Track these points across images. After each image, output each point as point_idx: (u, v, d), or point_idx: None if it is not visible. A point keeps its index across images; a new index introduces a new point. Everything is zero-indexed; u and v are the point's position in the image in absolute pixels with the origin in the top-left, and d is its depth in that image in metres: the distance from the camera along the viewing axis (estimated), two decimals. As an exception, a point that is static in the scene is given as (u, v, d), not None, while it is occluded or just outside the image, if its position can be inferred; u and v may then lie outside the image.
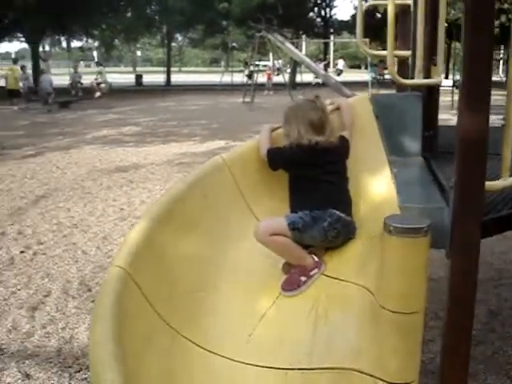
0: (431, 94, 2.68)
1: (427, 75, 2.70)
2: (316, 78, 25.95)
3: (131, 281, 1.86)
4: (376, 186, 2.56)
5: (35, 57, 29.52)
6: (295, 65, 29.09)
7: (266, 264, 2.37)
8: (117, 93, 27.16)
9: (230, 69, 32.58)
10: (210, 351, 1.97)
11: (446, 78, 31.89)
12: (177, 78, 43.94)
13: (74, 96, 23.50)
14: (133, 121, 17.04)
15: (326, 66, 36.41)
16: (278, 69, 30.22)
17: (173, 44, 61.97)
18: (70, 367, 3.37)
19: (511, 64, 1.78)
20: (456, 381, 1.89)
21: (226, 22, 38.87)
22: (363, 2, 3.49)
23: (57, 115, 19.11)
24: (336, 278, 2.22)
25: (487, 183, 1.72)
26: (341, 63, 32.27)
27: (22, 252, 5.42)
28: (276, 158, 2.54)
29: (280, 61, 27.33)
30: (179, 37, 57.38)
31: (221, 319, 2.08)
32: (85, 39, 46.27)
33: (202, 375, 1.89)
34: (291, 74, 30.72)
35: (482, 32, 1.57)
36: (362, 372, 1.86)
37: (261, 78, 27.31)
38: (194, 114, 19.41)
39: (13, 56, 59.32)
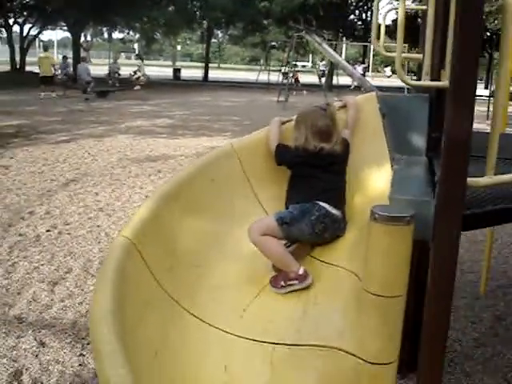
0: (441, 96, 2.76)
1: (437, 78, 2.78)
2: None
3: (135, 250, 2.00)
4: (374, 181, 2.67)
5: (76, 46, 30.11)
6: (332, 67, 29.03)
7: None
8: (154, 86, 27.51)
9: (268, 67, 32.64)
10: (205, 322, 2.10)
11: (486, 88, 31.56)
12: (215, 74, 44.28)
13: (111, 86, 23.87)
14: (167, 113, 17.31)
15: (365, 70, 36.27)
16: (323, 71, 30.31)
17: (213, 40, 62.47)
18: (83, 339, 3.54)
19: (500, 65, 1.87)
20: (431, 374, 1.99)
21: (266, 21, 39.02)
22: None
23: (94, 104, 19.49)
24: (328, 263, 2.34)
25: (470, 179, 1.81)
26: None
27: (47, 231, 5.64)
28: (282, 156, 2.68)
29: (321, 62, 27.33)
30: (220, 33, 57.79)
31: (218, 294, 2.21)
32: (126, 31, 46.93)
33: (196, 343, 2.02)
34: (328, 75, 30.65)
35: (471, 37, 1.67)
36: (344, 351, 1.98)
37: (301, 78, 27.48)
38: (228, 110, 19.58)
39: (55, 44, 60.47)
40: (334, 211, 2.49)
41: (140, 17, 34.12)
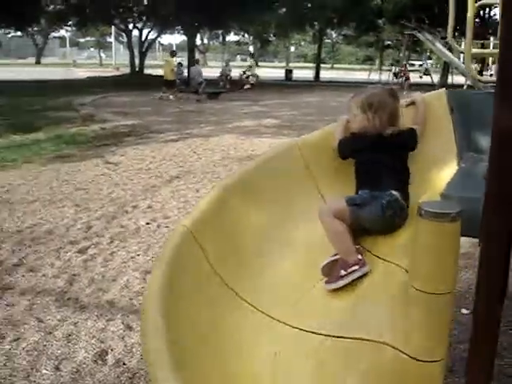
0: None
1: None
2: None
3: (192, 238, 2.12)
4: (439, 179, 2.62)
5: (191, 49, 31.16)
6: (445, 66, 28.10)
7: (324, 245, 2.53)
8: (266, 86, 27.95)
9: (382, 67, 32.15)
10: (257, 309, 2.19)
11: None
12: (327, 74, 44.22)
13: (221, 88, 24.52)
14: (274, 114, 17.55)
15: (482, 68, 34.74)
16: (426, 69, 29.38)
17: (327, 40, 62.34)
18: (167, 325, 3.74)
19: None
20: (480, 371, 1.95)
21: (380, 20, 38.45)
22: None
23: (205, 105, 20.13)
24: (380, 258, 2.34)
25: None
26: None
27: (147, 223, 5.96)
28: (344, 149, 2.70)
29: (429, 61, 26.55)
30: (333, 33, 57.57)
31: (272, 284, 2.28)
32: (241, 34, 47.99)
33: (247, 329, 2.10)
34: (442, 74, 29.68)
35: None
36: (390, 345, 1.99)
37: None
38: (335, 109, 19.48)
39: (174, 48, 62.83)
40: (402, 201, 2.49)
41: (253, 19, 34.73)
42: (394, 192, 2.47)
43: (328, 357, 2.08)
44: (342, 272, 2.30)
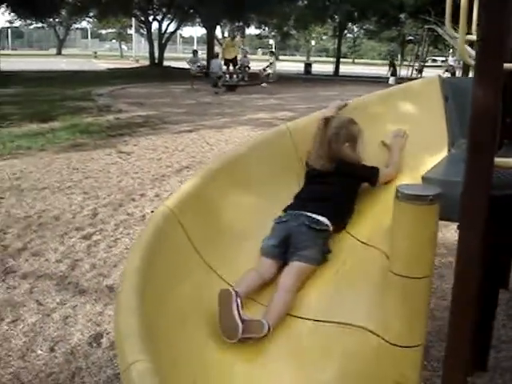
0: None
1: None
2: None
3: (175, 219, 2.12)
4: (428, 164, 2.59)
5: (210, 41, 31.16)
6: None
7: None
8: (284, 80, 27.86)
9: (404, 62, 31.87)
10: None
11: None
12: (347, 69, 43.90)
13: (240, 80, 24.48)
14: (290, 107, 17.46)
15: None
16: (451, 65, 29.03)
17: (349, 35, 61.91)
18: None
19: None
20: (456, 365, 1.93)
21: (401, 15, 38.06)
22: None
23: (222, 97, 20.10)
24: (363, 243, 2.33)
25: (499, 159, 1.74)
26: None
27: (152, 212, 5.97)
28: None
29: (452, 57, 26.28)
30: (355, 28, 57.16)
31: (255, 266, 2.28)
32: (262, 27, 47.89)
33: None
34: (464, 70, 29.30)
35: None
36: (369, 330, 1.99)
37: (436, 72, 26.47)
38: (353, 104, 19.38)
39: (195, 40, 62.98)
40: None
41: (272, 12, 34.62)
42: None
43: (308, 340, 2.08)
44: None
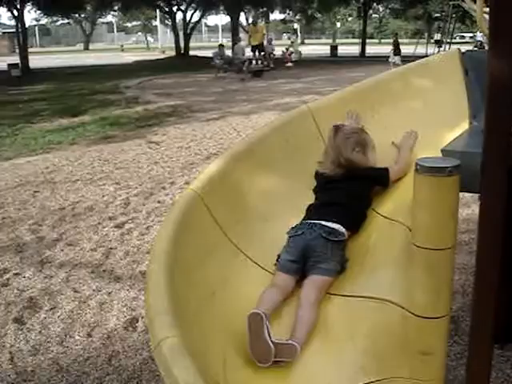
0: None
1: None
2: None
3: (201, 202, 2.17)
4: (449, 138, 2.59)
5: (234, 29, 31.11)
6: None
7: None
8: (310, 63, 27.74)
9: (431, 40, 31.39)
10: (266, 270, 2.24)
11: None
12: (374, 49, 43.38)
13: (265, 66, 24.42)
14: (316, 90, 17.37)
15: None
16: (480, 42, 28.48)
17: (374, 15, 61.17)
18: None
19: None
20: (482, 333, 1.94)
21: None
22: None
23: (248, 83, 20.10)
24: (388, 218, 2.34)
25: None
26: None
27: (181, 198, 6.06)
28: None
29: (480, 33, 25.72)
30: (380, 8, 56.40)
31: (279, 245, 2.31)
32: (286, 12, 47.58)
33: (255, 287, 2.15)
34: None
35: None
36: (394, 303, 2.01)
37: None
38: (380, 84, 19.21)
39: (219, 29, 62.93)
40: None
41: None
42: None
43: (335, 315, 2.12)
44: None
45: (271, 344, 1.82)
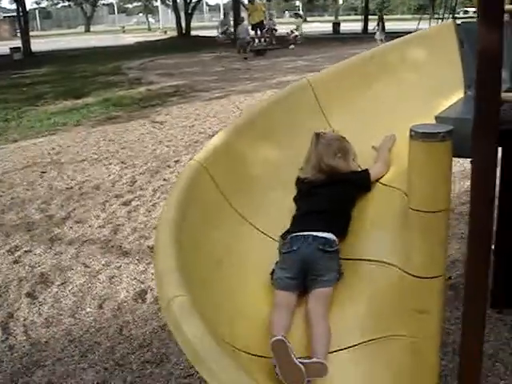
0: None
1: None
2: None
3: (205, 172, 2.26)
4: (443, 107, 2.65)
5: (236, 7, 30.86)
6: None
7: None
8: (312, 41, 27.59)
9: (435, 16, 31.06)
10: (271, 237, 2.33)
11: None
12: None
13: (268, 44, 24.32)
14: (318, 67, 17.28)
15: None
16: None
17: (377, -9, 60.64)
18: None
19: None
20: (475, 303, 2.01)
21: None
22: None
23: (251, 62, 20.05)
24: (387, 185, 2.43)
25: (506, 94, 1.82)
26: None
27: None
28: None
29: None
30: (382, -17, 55.90)
31: (282, 214, 2.40)
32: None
33: (260, 255, 2.26)
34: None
35: None
36: (392, 265, 2.11)
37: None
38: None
39: (221, 8, 62.49)
40: None
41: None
42: None
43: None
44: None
45: (302, 366, 1.83)
